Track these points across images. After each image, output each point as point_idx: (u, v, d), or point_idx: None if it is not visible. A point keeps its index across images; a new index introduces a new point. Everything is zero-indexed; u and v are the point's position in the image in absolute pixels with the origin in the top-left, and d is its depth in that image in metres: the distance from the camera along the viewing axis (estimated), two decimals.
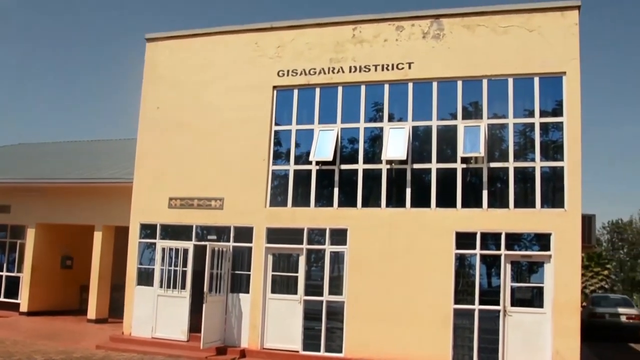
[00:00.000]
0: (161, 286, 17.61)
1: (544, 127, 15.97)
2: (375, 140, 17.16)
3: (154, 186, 18.44)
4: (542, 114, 15.98)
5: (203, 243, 17.41)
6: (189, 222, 18.03)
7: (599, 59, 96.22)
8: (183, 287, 17.34)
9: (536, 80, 16.02)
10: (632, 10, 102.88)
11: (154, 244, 18.23)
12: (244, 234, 17.53)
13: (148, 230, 18.49)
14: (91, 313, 21.68)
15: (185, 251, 17.45)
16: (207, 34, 18.76)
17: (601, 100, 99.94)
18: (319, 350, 16.50)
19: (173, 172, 18.37)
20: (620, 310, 25.87)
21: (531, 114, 16.08)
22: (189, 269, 17.34)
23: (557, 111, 15.87)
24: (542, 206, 15.61)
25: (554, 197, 15.66)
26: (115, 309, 21.06)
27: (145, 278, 18.27)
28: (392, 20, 17.10)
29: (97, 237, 21.71)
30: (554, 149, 15.87)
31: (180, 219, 18.13)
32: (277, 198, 17.65)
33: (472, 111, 16.55)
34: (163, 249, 17.75)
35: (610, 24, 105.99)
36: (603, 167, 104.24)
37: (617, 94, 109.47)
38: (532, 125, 16.03)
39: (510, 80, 16.17)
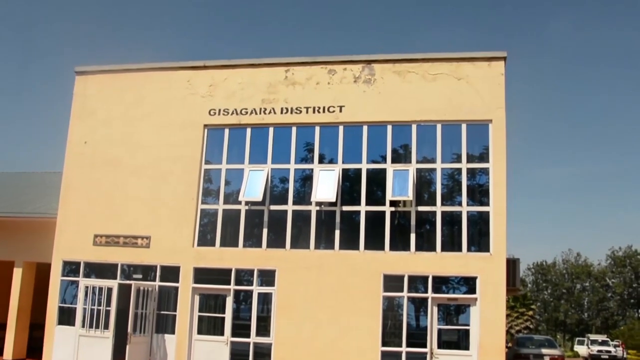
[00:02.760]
0: (83, 326, 16.97)
1: (471, 172, 16.40)
2: (305, 182, 17.25)
3: (79, 222, 17.93)
4: (469, 159, 16.40)
5: (128, 282, 17.03)
6: (115, 260, 17.56)
7: (526, 103, 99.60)
8: (106, 327, 16.74)
9: (464, 126, 16.47)
10: (555, 60, 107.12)
11: (77, 282, 17.61)
12: (171, 273, 17.21)
13: (71, 267, 17.91)
14: (8, 353, 20.63)
15: (110, 290, 16.93)
16: (139, 69, 18.58)
17: (527, 143, 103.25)
18: None
19: (99, 208, 17.92)
20: (544, 351, 26.24)
21: (458, 159, 16.49)
22: (113, 308, 16.78)
23: (484, 157, 16.34)
24: (468, 250, 15.96)
25: (479, 240, 16.02)
26: (34, 349, 20.07)
27: (66, 317, 17.62)
28: (325, 63, 17.37)
29: (17, 273, 20.74)
30: (480, 194, 16.28)
31: (105, 256, 17.65)
32: (206, 237, 17.43)
33: (401, 155, 16.86)
34: (86, 287, 17.17)
35: (536, 71, 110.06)
36: (529, 209, 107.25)
37: (542, 138, 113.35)
38: (459, 170, 16.44)
39: (439, 126, 16.56)
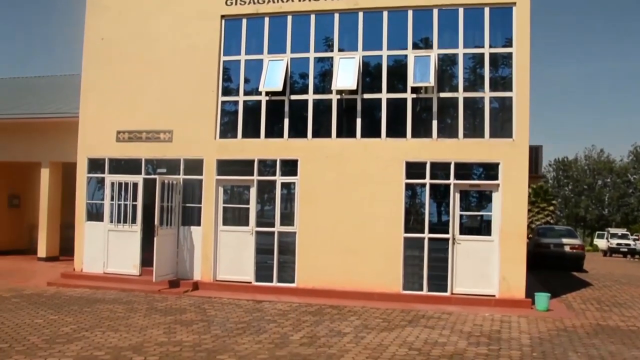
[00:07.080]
0: (111, 221, 17.39)
1: (494, 57, 15.97)
2: (325, 70, 16.97)
3: (100, 120, 17.97)
4: (492, 44, 15.93)
5: (153, 176, 17.15)
6: (138, 155, 17.66)
7: None
8: (134, 221, 17.15)
9: (486, 10, 15.89)
10: None
11: (103, 178, 17.87)
12: (194, 166, 17.30)
13: (96, 164, 18.09)
14: (42, 251, 21.36)
15: (135, 185, 17.17)
16: None
17: (553, 36, 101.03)
18: (271, 281, 16.65)
19: (120, 104, 17.89)
20: (565, 240, 26.66)
21: (481, 44, 16.04)
22: (139, 202, 17.09)
23: (507, 42, 15.87)
24: (490, 136, 15.73)
25: (502, 127, 15.76)
26: (66, 247, 20.70)
27: (95, 214, 18.02)
28: None
29: (45, 173, 21.22)
30: (503, 80, 15.95)
31: (128, 152, 17.74)
32: (227, 129, 17.40)
33: (422, 41, 16.44)
34: (112, 184, 17.45)
35: None
36: (551, 105, 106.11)
37: (569, 31, 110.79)
38: (482, 55, 15.99)
39: (461, 10, 16.01)
